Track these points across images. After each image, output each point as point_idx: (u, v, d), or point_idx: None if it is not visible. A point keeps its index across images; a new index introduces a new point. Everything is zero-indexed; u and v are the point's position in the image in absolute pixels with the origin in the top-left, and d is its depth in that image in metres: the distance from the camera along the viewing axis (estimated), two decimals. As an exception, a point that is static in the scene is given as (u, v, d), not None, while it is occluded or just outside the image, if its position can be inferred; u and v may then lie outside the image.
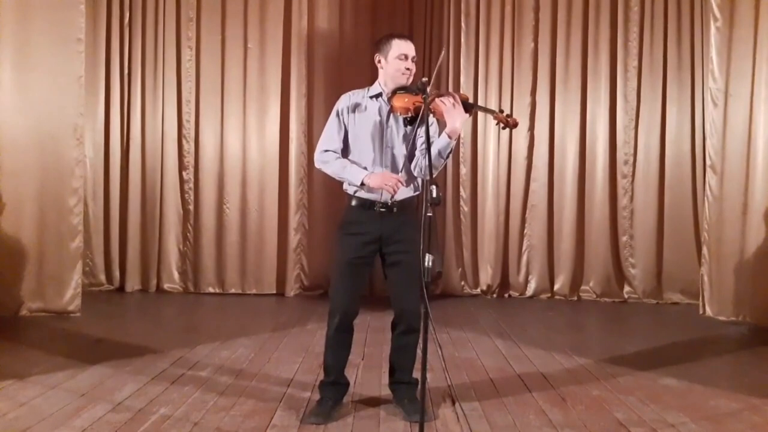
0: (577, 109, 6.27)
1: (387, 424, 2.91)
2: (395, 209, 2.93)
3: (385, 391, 3.21)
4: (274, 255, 6.21)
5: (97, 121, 6.08)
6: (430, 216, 2.50)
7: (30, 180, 4.90)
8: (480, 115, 6.16)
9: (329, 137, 3.01)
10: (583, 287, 6.29)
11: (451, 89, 6.15)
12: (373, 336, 4.45)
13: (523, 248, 6.34)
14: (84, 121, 5.10)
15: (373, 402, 3.17)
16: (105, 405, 3.02)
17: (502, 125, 2.92)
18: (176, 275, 6.18)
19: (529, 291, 6.31)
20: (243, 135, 6.20)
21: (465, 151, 6.26)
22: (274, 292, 6.20)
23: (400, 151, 2.95)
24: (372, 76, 5.72)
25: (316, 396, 3.07)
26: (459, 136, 2.90)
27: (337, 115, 3.01)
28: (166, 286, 6.17)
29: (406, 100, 2.85)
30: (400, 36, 3.00)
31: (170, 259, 6.18)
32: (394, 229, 2.93)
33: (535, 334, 4.77)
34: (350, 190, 2.99)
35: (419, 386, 2.55)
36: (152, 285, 6.15)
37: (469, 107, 2.90)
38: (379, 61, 2.99)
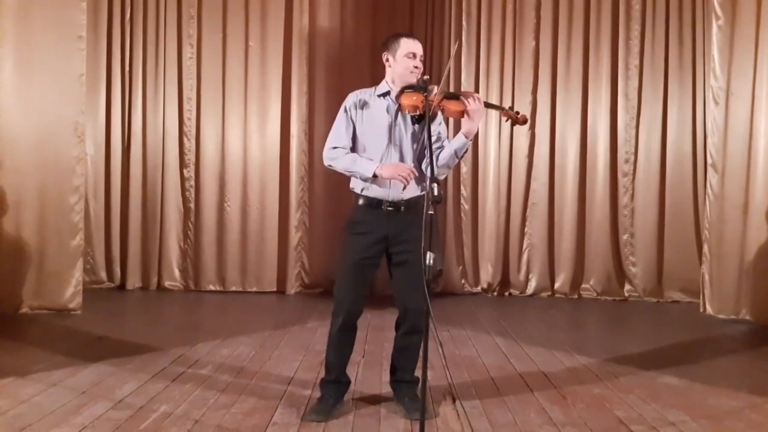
0: (578, 107, 6.27)
1: (388, 422, 2.92)
2: (402, 208, 2.93)
3: (386, 389, 3.21)
4: (275, 253, 6.21)
5: (98, 118, 6.08)
6: (431, 214, 2.50)
7: (31, 178, 4.90)
8: (487, 109, 6.16)
9: (337, 134, 2.99)
10: (583, 285, 6.29)
11: (452, 88, 6.15)
12: (373, 334, 4.45)
13: (524, 246, 6.34)
14: (85, 118, 5.10)
15: (373, 400, 3.17)
16: (106, 402, 3.02)
17: (511, 122, 2.93)
18: (177, 273, 6.19)
19: (530, 289, 6.32)
20: (244, 133, 6.20)
21: (469, 145, 6.24)
22: (275, 289, 6.21)
23: (408, 149, 2.95)
24: (373, 75, 5.76)
25: (317, 394, 3.07)
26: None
27: (345, 111, 3.01)
28: (166, 283, 6.17)
29: (415, 98, 2.85)
30: (408, 35, 3.03)
31: (171, 257, 6.18)
32: (400, 229, 2.92)
33: (536, 333, 4.77)
34: (357, 189, 2.98)
35: (420, 384, 2.55)
36: (153, 283, 6.15)
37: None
38: (387, 60, 3.00)
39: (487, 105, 3.03)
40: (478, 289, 6.33)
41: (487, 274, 6.32)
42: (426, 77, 2.81)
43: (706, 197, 5.46)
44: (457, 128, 2.95)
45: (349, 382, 3.11)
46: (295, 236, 6.19)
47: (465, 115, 2.86)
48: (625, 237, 6.27)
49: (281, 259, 6.21)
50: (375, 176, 2.87)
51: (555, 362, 3.93)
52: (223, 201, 6.21)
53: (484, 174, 6.32)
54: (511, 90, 6.28)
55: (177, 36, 6.13)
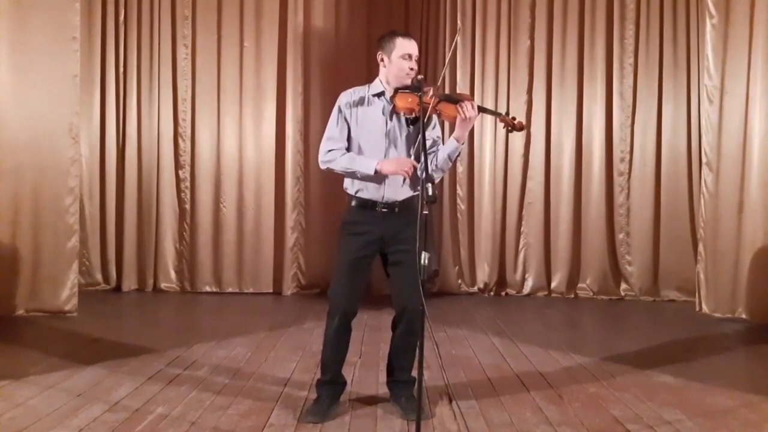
0: (573, 106, 6.28)
1: (384, 422, 2.92)
2: (397, 209, 2.93)
3: (383, 390, 3.21)
4: (271, 254, 6.20)
5: (93, 120, 6.07)
6: (426, 214, 2.50)
7: (26, 179, 4.88)
8: (483, 114, 6.16)
9: (332, 137, 2.97)
10: (579, 285, 6.30)
11: (448, 89, 6.15)
12: (370, 335, 4.45)
13: (520, 246, 6.34)
14: (79, 120, 5.09)
15: (370, 400, 3.17)
16: (102, 405, 3.01)
17: (508, 128, 2.92)
18: (173, 274, 6.18)
19: (526, 289, 6.32)
20: (239, 133, 6.19)
21: (462, 150, 6.23)
22: (271, 290, 6.20)
23: (403, 150, 2.94)
24: (368, 74, 5.74)
25: (313, 395, 3.07)
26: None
27: (339, 111, 2.98)
28: (162, 285, 6.15)
29: (410, 100, 2.84)
30: (404, 35, 2.98)
31: (167, 259, 6.17)
32: (396, 230, 2.92)
33: (532, 332, 4.78)
34: (351, 190, 2.97)
35: (416, 384, 2.55)
36: (149, 284, 6.14)
37: (479, 110, 2.91)
38: (382, 60, 2.97)
39: (485, 110, 3.02)
40: (475, 288, 6.34)
41: (484, 273, 6.33)
42: (420, 77, 2.80)
43: (701, 196, 5.47)
44: (452, 131, 2.94)
45: (345, 383, 3.11)
46: (291, 237, 6.18)
47: (448, 118, 2.86)
48: (620, 236, 6.28)
49: (277, 260, 6.21)
50: (376, 172, 2.85)
51: (551, 362, 3.94)
52: (218, 202, 6.20)
53: (480, 174, 6.32)
54: (507, 89, 6.29)
55: (171, 36, 6.12)
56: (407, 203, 2.94)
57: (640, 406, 3.13)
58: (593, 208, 6.27)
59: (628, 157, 6.27)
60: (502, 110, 6.12)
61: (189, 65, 6.13)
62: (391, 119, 2.95)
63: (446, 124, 5.40)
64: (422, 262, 2.46)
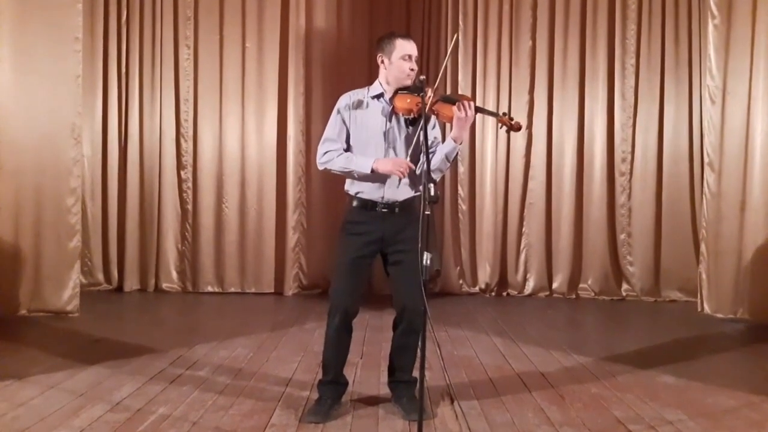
0: (575, 107, 6.27)
1: (386, 422, 2.92)
2: (397, 210, 2.93)
3: (384, 390, 3.21)
4: (273, 254, 6.21)
5: (95, 120, 6.07)
6: (428, 214, 2.50)
7: (28, 179, 4.89)
8: (478, 114, 6.16)
9: (329, 138, 2.98)
10: (581, 285, 6.30)
11: (449, 90, 6.15)
12: (371, 335, 4.45)
13: (522, 246, 6.34)
14: (82, 120, 5.09)
15: (371, 401, 3.17)
16: (104, 405, 3.01)
17: (506, 128, 2.92)
18: (174, 275, 6.18)
19: (528, 289, 6.32)
20: (241, 134, 6.20)
21: (463, 150, 6.25)
22: (273, 291, 6.20)
23: (402, 151, 2.94)
24: (370, 75, 5.75)
25: (315, 395, 3.07)
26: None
27: (338, 113, 2.99)
28: (164, 285, 6.16)
29: (409, 100, 2.85)
30: (404, 35, 2.98)
31: (168, 259, 6.18)
32: (396, 230, 2.92)
33: (534, 333, 4.77)
34: (351, 190, 2.98)
35: (418, 385, 2.55)
36: (150, 285, 6.14)
37: (476, 110, 2.91)
38: (382, 61, 2.97)
39: (482, 111, 3.01)
40: (476, 289, 6.34)
41: (485, 274, 6.32)
42: (422, 77, 2.80)
43: (703, 196, 5.46)
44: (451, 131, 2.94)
45: (346, 383, 3.12)
46: (292, 237, 6.18)
47: (445, 118, 2.86)
48: (622, 236, 6.27)
49: (279, 260, 6.21)
50: (373, 171, 2.86)
51: (553, 362, 3.94)
52: (221, 202, 6.21)
53: (482, 174, 6.32)
54: (508, 90, 6.29)
55: (173, 37, 6.12)
56: (407, 203, 2.94)
57: (641, 407, 3.13)
58: (595, 208, 6.27)
59: (629, 157, 6.27)
60: (504, 111, 6.18)
61: (191, 66, 6.14)
62: (390, 120, 2.95)
63: (447, 126, 5.43)
64: (424, 262, 2.46)
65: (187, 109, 6.16)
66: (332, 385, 3.03)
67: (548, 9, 6.25)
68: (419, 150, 2.88)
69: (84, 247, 5.67)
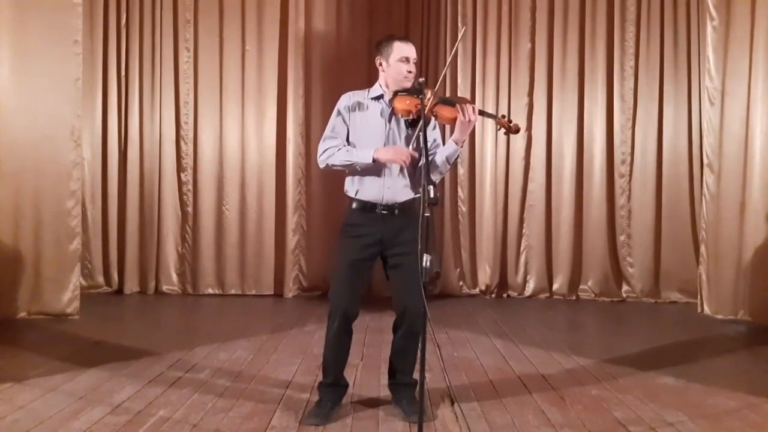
0: (574, 109, 6.28)
1: (386, 424, 2.92)
2: (396, 211, 2.93)
3: (384, 392, 3.21)
4: (272, 256, 6.20)
5: (95, 123, 6.07)
6: (427, 216, 2.50)
7: (28, 182, 4.89)
8: (480, 116, 6.17)
9: (331, 136, 2.99)
10: (581, 287, 6.30)
11: (448, 92, 6.16)
12: (371, 337, 4.45)
13: (522, 248, 6.34)
14: (81, 123, 5.10)
15: (372, 403, 3.17)
16: (103, 407, 3.01)
17: (504, 130, 2.93)
18: (174, 277, 6.18)
19: (528, 291, 6.32)
20: (241, 136, 6.20)
21: (463, 152, 6.23)
22: (273, 293, 6.20)
23: None
24: (369, 77, 5.75)
25: (315, 397, 3.07)
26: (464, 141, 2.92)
27: (339, 114, 3.00)
28: (164, 287, 6.16)
29: (408, 102, 2.85)
30: (402, 38, 2.99)
31: (168, 261, 6.17)
32: (395, 232, 2.92)
33: (534, 334, 4.77)
34: (351, 192, 2.98)
35: (418, 387, 2.55)
36: (150, 287, 6.14)
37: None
38: (381, 64, 2.98)
39: (482, 113, 3.01)
40: (476, 290, 6.33)
41: (485, 275, 6.32)
42: (421, 80, 2.80)
43: (703, 197, 5.47)
44: (451, 133, 2.95)
45: (347, 385, 3.11)
46: (292, 239, 6.18)
47: (444, 120, 2.87)
48: (622, 238, 6.27)
49: (279, 263, 6.21)
50: (374, 161, 2.86)
51: (553, 364, 3.93)
52: (221, 204, 6.21)
53: (481, 176, 6.32)
54: (507, 92, 6.29)
55: (173, 40, 6.13)
56: (407, 205, 2.95)
57: (642, 408, 3.13)
58: (594, 210, 6.27)
59: (629, 159, 6.27)
60: (503, 113, 6.17)
61: (191, 68, 6.14)
62: (389, 122, 2.96)
63: (447, 127, 5.44)
64: (424, 264, 2.46)
65: (187, 111, 6.16)
66: (332, 388, 3.03)
67: (547, 11, 6.26)
68: (419, 151, 2.89)
69: (84, 249, 5.66)
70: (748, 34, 5.16)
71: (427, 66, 6.21)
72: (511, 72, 6.29)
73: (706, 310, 5.38)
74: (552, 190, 6.30)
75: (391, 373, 3.11)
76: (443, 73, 3.11)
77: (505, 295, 6.32)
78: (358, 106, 2.98)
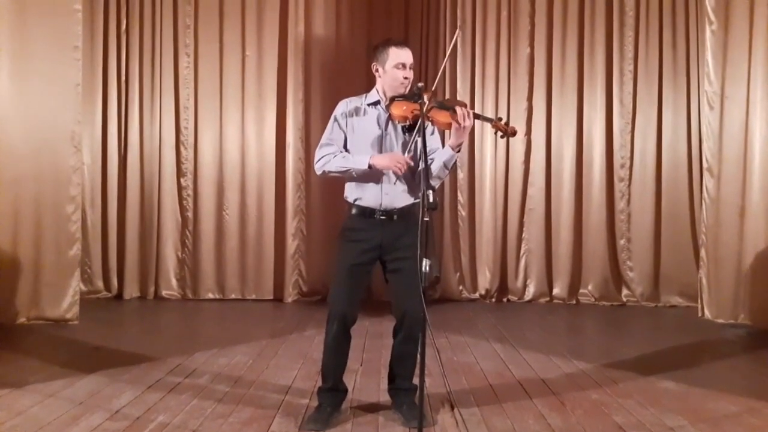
0: (573, 113, 6.28)
1: (386, 430, 2.91)
2: (395, 217, 2.93)
3: (384, 397, 3.20)
4: (272, 261, 6.20)
5: (95, 128, 6.08)
6: (426, 221, 2.50)
7: (27, 187, 4.89)
8: (477, 120, 6.17)
9: (328, 143, 3.00)
10: (581, 291, 6.29)
11: (448, 95, 6.17)
12: (371, 342, 4.44)
13: (521, 252, 6.34)
14: (81, 128, 5.09)
15: (371, 408, 3.17)
16: (103, 413, 3.01)
17: (500, 134, 2.93)
18: (174, 282, 6.18)
19: (528, 295, 6.31)
20: (241, 141, 6.21)
21: (462, 156, 6.25)
22: (272, 298, 6.19)
23: None
24: (368, 82, 5.75)
25: (315, 403, 3.06)
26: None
27: (336, 121, 3.01)
28: (164, 293, 6.15)
29: (404, 108, 2.85)
30: (397, 44, 2.98)
31: (168, 266, 6.17)
32: (394, 237, 2.92)
33: (534, 339, 4.77)
34: (350, 197, 2.99)
35: (418, 392, 2.55)
36: (150, 292, 6.14)
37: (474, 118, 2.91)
38: (377, 70, 2.98)
39: (477, 116, 3.01)
40: (476, 295, 6.33)
41: (485, 280, 6.32)
42: (420, 84, 2.80)
43: (703, 201, 5.46)
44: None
45: (346, 390, 3.11)
46: (292, 244, 6.18)
47: (441, 125, 2.87)
48: (622, 242, 6.27)
49: (278, 267, 6.20)
50: (370, 167, 2.86)
51: (553, 368, 3.93)
52: (221, 209, 6.21)
53: (481, 180, 6.33)
54: (507, 96, 6.30)
55: (173, 45, 6.14)
56: (406, 210, 2.95)
57: (642, 413, 3.12)
58: (594, 214, 6.27)
59: (628, 163, 6.28)
60: (503, 117, 6.18)
61: (191, 74, 6.16)
62: (386, 128, 2.96)
63: (447, 132, 5.44)
64: (423, 269, 2.46)
65: (187, 116, 6.17)
66: (332, 393, 3.02)
67: (546, 16, 6.27)
68: (417, 157, 2.89)
69: (84, 254, 5.66)
70: (746, 38, 5.17)
71: (427, 70, 6.22)
72: (511, 76, 6.30)
73: (707, 314, 5.37)
74: (552, 194, 6.30)
75: (391, 378, 3.10)
76: (441, 68, 3.07)
77: (505, 300, 6.32)
78: (356, 112, 2.98)
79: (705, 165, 5.43)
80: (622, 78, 6.25)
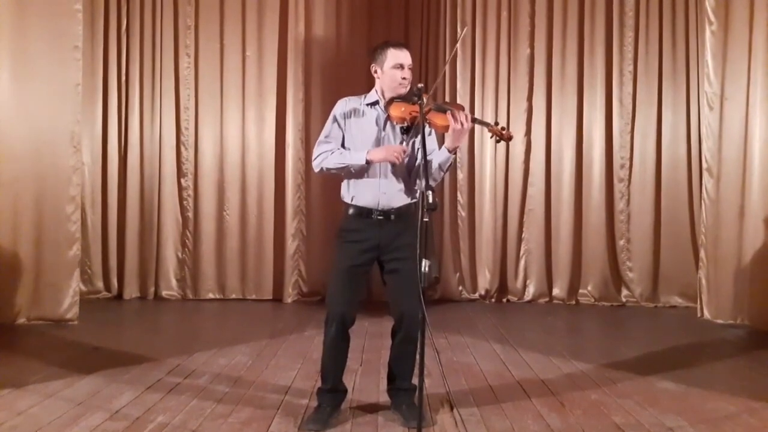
0: (573, 113, 6.28)
1: (385, 430, 2.91)
2: (393, 217, 2.93)
3: (383, 398, 3.21)
4: (272, 261, 6.20)
5: (95, 128, 6.09)
6: (426, 221, 2.50)
7: (27, 188, 4.89)
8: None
9: (325, 142, 3.01)
10: (581, 291, 6.29)
11: (447, 96, 6.17)
12: (371, 342, 4.45)
13: (521, 253, 6.34)
14: (81, 128, 5.10)
15: (371, 408, 3.17)
16: (102, 413, 3.01)
17: (496, 138, 2.93)
18: (174, 282, 6.18)
19: (528, 295, 6.31)
20: (242, 141, 6.22)
21: (462, 157, 6.26)
22: (272, 298, 6.20)
23: None
24: (368, 82, 5.74)
25: (314, 403, 3.07)
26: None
27: (335, 120, 3.01)
28: (164, 293, 6.16)
29: (403, 109, 2.85)
30: (396, 45, 2.98)
31: (168, 266, 6.18)
32: (392, 237, 2.92)
33: (534, 339, 4.77)
34: (347, 198, 2.99)
35: (417, 392, 2.55)
36: (150, 292, 6.14)
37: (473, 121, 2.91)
38: (376, 71, 2.99)
39: (473, 120, 3.01)
40: (476, 295, 6.33)
41: (485, 280, 6.32)
42: (420, 85, 2.80)
43: (702, 202, 5.47)
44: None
45: (345, 391, 3.11)
46: (292, 245, 6.18)
47: (438, 128, 2.87)
48: (621, 242, 6.28)
49: (278, 268, 6.21)
50: (368, 162, 2.87)
51: (553, 368, 3.93)
52: (221, 210, 6.22)
53: (481, 180, 6.33)
54: (507, 97, 6.31)
55: (174, 46, 6.15)
56: (403, 210, 2.95)
57: (641, 413, 3.13)
58: (594, 214, 6.27)
59: (628, 163, 6.28)
60: (503, 117, 6.20)
61: (192, 74, 6.16)
62: (384, 129, 2.97)
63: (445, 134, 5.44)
64: (423, 269, 2.46)
65: (187, 117, 6.17)
66: (331, 393, 3.02)
67: (546, 16, 6.27)
68: (414, 158, 2.89)
69: (84, 255, 5.66)
70: (746, 39, 5.17)
71: (427, 71, 6.22)
72: (510, 77, 6.30)
73: (706, 314, 5.38)
74: (551, 194, 6.30)
75: (390, 379, 3.11)
76: (444, 68, 3.09)
77: (504, 300, 6.32)
78: (354, 112, 2.99)
79: (704, 165, 5.43)
80: (622, 78, 6.26)
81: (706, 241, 5.41)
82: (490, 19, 6.29)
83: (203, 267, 6.18)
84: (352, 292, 2.96)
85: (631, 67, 6.23)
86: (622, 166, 6.28)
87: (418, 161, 2.92)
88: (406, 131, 2.90)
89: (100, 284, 6.13)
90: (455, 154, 2.91)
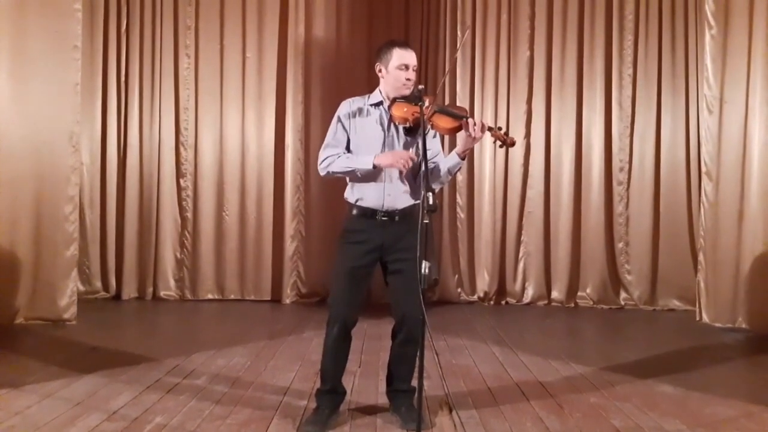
0: (572, 116, 6.29)
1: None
2: (397, 218, 2.93)
3: (382, 399, 3.20)
4: (270, 262, 6.20)
5: (94, 128, 6.08)
6: (426, 223, 2.50)
7: (26, 187, 4.89)
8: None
9: (331, 144, 3.00)
10: (579, 294, 6.30)
11: (447, 100, 6.17)
12: (370, 344, 4.44)
13: (520, 255, 6.34)
14: (80, 128, 5.09)
15: (370, 410, 3.16)
16: (100, 414, 3.00)
17: (499, 143, 2.93)
18: (172, 282, 6.17)
19: (526, 298, 6.31)
20: (241, 142, 6.21)
21: (462, 164, 6.23)
22: (271, 299, 6.19)
23: None
24: (368, 84, 5.77)
25: (313, 404, 3.06)
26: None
27: (339, 121, 3.01)
28: (162, 293, 6.15)
29: (405, 110, 2.85)
30: (402, 45, 2.98)
31: (166, 267, 6.17)
32: (395, 238, 2.92)
33: (532, 341, 4.77)
34: (351, 199, 2.98)
35: (416, 394, 2.55)
36: (148, 293, 6.13)
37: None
38: (380, 71, 2.98)
39: (489, 129, 3.01)
40: (475, 297, 6.33)
41: (484, 282, 6.32)
42: (421, 87, 2.81)
43: (701, 205, 5.47)
44: (452, 142, 2.95)
45: (344, 393, 3.10)
46: (290, 246, 6.17)
47: (461, 135, 2.86)
48: (620, 245, 6.28)
49: (277, 269, 6.20)
50: (375, 167, 2.86)
51: (551, 371, 3.93)
52: (221, 210, 6.21)
53: (480, 183, 6.33)
54: (506, 99, 6.31)
55: (173, 46, 6.15)
56: (407, 212, 2.94)
57: (640, 416, 3.13)
58: (593, 217, 6.27)
59: (627, 166, 6.29)
60: (502, 120, 6.20)
61: (192, 75, 6.16)
62: (388, 129, 2.96)
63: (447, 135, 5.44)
64: (423, 271, 2.46)
65: (187, 117, 6.17)
66: (330, 395, 3.02)
67: (546, 19, 6.28)
68: (417, 158, 2.89)
69: (82, 255, 5.66)
70: (746, 43, 5.18)
71: (426, 73, 6.22)
72: (510, 79, 6.31)
73: (705, 317, 5.38)
74: (550, 197, 6.31)
75: (389, 380, 3.10)
76: (444, 77, 3.09)
77: (503, 302, 6.31)
78: (359, 112, 2.98)
79: (704, 169, 5.44)
80: (622, 81, 6.26)
81: (704, 244, 5.41)
82: (489, 22, 6.30)
83: (202, 267, 6.17)
84: (355, 293, 2.95)
85: (630, 71, 6.24)
86: (622, 169, 6.28)
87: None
88: (409, 132, 2.91)
89: (98, 284, 6.12)
90: (465, 158, 2.91)
